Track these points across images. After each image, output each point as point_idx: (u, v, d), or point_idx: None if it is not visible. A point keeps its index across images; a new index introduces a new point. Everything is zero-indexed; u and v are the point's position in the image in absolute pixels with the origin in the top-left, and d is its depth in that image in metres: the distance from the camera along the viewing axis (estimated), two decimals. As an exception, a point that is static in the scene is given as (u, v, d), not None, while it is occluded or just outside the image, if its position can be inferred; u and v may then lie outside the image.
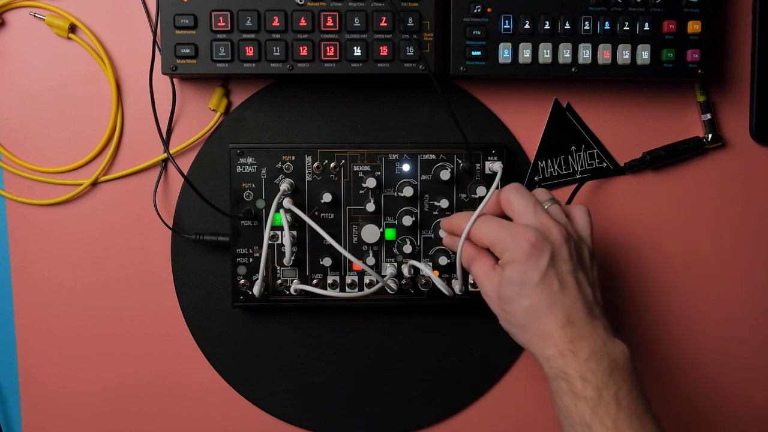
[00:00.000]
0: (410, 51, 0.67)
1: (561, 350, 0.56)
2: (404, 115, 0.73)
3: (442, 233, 0.69)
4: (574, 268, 0.58)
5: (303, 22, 0.66)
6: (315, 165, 0.69)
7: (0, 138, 0.73)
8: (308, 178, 0.70)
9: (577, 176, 0.74)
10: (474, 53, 0.68)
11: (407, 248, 0.69)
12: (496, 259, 0.61)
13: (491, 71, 0.69)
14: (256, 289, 0.68)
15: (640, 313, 0.75)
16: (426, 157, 0.70)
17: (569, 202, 0.73)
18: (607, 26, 0.68)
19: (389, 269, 0.70)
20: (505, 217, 0.62)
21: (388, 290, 0.69)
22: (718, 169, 0.75)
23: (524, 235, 0.57)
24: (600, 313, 0.59)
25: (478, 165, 0.70)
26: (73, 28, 0.71)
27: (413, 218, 0.69)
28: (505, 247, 0.58)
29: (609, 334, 0.58)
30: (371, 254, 0.70)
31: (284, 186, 0.68)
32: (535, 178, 0.74)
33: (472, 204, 0.70)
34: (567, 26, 0.68)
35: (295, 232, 0.70)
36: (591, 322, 0.57)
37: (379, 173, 0.70)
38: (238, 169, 0.69)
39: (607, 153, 0.74)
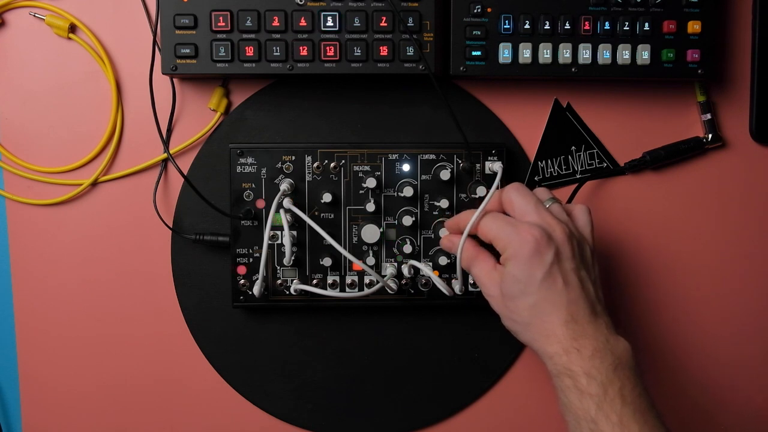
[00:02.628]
0: (410, 51, 0.67)
1: (565, 347, 0.56)
2: (404, 115, 0.73)
3: (442, 232, 0.69)
4: (577, 266, 0.59)
5: (303, 22, 0.66)
6: (315, 165, 0.69)
7: (0, 138, 0.73)
8: (308, 178, 0.70)
9: (577, 176, 0.74)
10: (474, 53, 0.68)
11: (407, 248, 0.69)
12: (497, 258, 0.61)
13: (491, 71, 0.69)
14: (256, 289, 0.68)
15: (639, 313, 0.75)
16: (426, 157, 0.70)
17: (569, 202, 0.73)
18: (607, 26, 0.68)
19: (389, 269, 0.70)
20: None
21: (388, 290, 0.69)
22: (718, 169, 0.75)
23: (529, 232, 0.58)
24: (602, 310, 0.59)
25: (478, 165, 0.70)
26: (73, 28, 0.71)
27: (413, 218, 0.69)
28: (509, 243, 0.58)
29: (612, 332, 0.58)
30: (371, 254, 0.70)
31: (284, 186, 0.68)
32: (535, 178, 0.74)
33: (472, 204, 0.70)
34: (567, 26, 0.68)
35: (295, 232, 0.70)
36: (594, 320, 0.58)
37: (379, 173, 0.70)
38: (238, 169, 0.69)
39: (607, 153, 0.74)
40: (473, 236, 0.63)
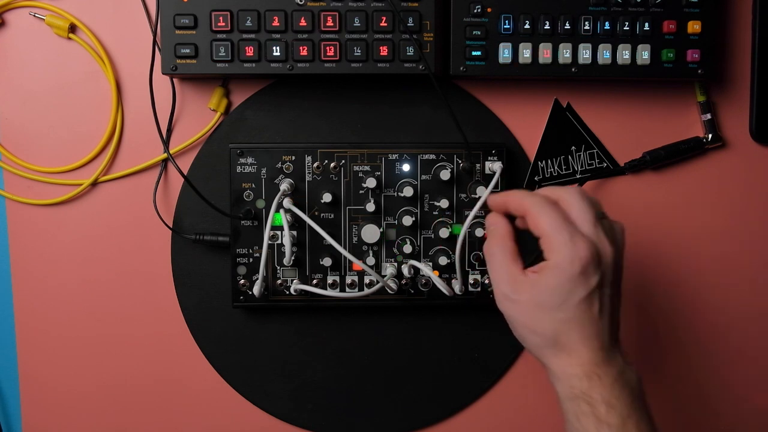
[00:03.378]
0: (410, 51, 0.67)
1: (587, 372, 0.54)
2: (404, 115, 0.73)
3: (443, 232, 0.68)
4: (615, 292, 0.56)
5: (303, 22, 0.66)
6: (315, 165, 0.69)
7: (0, 138, 0.73)
8: (308, 178, 0.70)
9: (577, 176, 0.74)
10: (474, 53, 0.68)
11: (407, 248, 0.69)
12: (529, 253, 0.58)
13: (491, 71, 0.69)
14: (256, 289, 0.68)
15: (638, 313, 0.75)
16: (426, 157, 0.70)
17: (569, 202, 0.73)
18: (607, 26, 0.68)
19: (389, 269, 0.70)
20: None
21: (388, 290, 0.69)
22: (718, 169, 0.75)
23: (584, 248, 0.53)
24: (618, 338, 0.57)
25: (478, 165, 0.70)
26: (73, 28, 0.71)
27: (413, 218, 0.69)
28: (560, 251, 0.53)
29: (626, 361, 0.56)
30: (371, 254, 0.70)
31: (284, 186, 0.68)
32: (535, 178, 0.74)
33: (472, 204, 0.70)
34: (567, 26, 0.68)
35: (295, 232, 0.70)
36: (614, 348, 0.56)
37: (379, 173, 0.69)
38: (238, 169, 0.69)
39: (607, 153, 0.74)
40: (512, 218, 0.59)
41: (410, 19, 0.66)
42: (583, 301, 0.54)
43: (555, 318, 0.54)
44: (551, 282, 0.54)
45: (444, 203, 0.69)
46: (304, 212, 0.68)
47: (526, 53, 0.68)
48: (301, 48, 0.66)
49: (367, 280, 0.70)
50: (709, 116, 0.73)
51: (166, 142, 0.71)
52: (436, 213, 0.70)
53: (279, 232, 0.69)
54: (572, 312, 0.54)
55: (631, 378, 0.55)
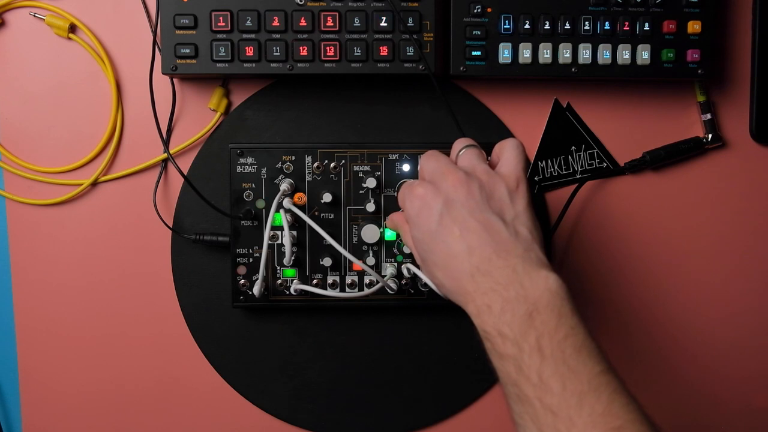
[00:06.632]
0: (410, 51, 0.67)
1: (477, 306, 0.51)
2: (404, 115, 0.73)
3: None
4: (477, 209, 0.53)
5: (303, 22, 0.66)
6: (315, 165, 0.69)
7: (0, 138, 0.73)
8: (308, 178, 0.70)
9: (577, 176, 0.74)
10: (474, 53, 0.68)
11: (407, 248, 0.69)
12: None
13: (491, 71, 0.69)
14: (256, 289, 0.68)
15: (638, 313, 0.75)
16: (426, 157, 0.70)
17: (569, 202, 0.73)
18: (607, 26, 0.68)
19: (389, 269, 0.70)
20: None
21: (388, 290, 0.69)
22: (718, 169, 0.75)
23: (415, 191, 0.55)
24: (523, 249, 0.52)
25: (478, 165, 0.70)
26: (73, 28, 0.71)
27: (413, 218, 0.69)
28: (404, 207, 0.57)
29: (531, 269, 0.50)
30: (371, 254, 0.70)
31: (284, 186, 0.68)
32: (535, 178, 0.74)
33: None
34: (567, 26, 0.68)
35: (295, 232, 0.70)
36: (505, 265, 0.51)
37: (379, 173, 0.70)
38: (238, 169, 0.69)
39: (607, 153, 0.74)
40: None
41: (410, 19, 0.66)
42: (439, 231, 0.53)
43: (433, 262, 0.54)
44: (413, 235, 0.56)
45: (444, 203, 0.69)
46: (304, 212, 0.68)
47: (526, 53, 0.68)
48: (301, 48, 0.66)
49: (367, 280, 0.70)
50: (709, 116, 0.73)
51: (166, 142, 0.71)
52: (436, 213, 0.70)
53: (279, 232, 0.69)
54: (440, 249, 0.53)
55: (531, 292, 0.49)
